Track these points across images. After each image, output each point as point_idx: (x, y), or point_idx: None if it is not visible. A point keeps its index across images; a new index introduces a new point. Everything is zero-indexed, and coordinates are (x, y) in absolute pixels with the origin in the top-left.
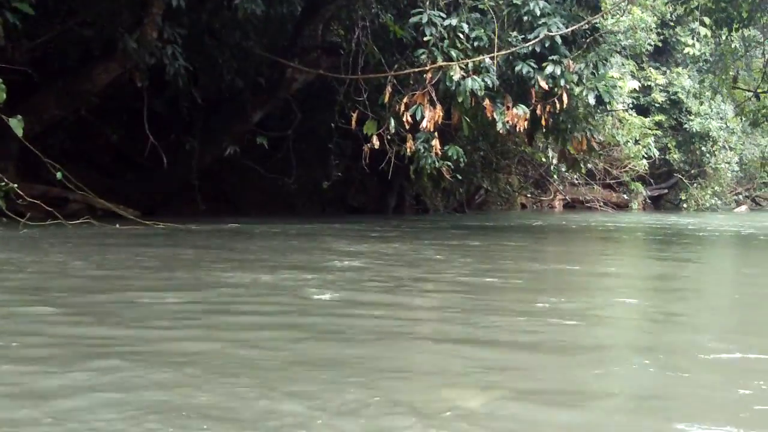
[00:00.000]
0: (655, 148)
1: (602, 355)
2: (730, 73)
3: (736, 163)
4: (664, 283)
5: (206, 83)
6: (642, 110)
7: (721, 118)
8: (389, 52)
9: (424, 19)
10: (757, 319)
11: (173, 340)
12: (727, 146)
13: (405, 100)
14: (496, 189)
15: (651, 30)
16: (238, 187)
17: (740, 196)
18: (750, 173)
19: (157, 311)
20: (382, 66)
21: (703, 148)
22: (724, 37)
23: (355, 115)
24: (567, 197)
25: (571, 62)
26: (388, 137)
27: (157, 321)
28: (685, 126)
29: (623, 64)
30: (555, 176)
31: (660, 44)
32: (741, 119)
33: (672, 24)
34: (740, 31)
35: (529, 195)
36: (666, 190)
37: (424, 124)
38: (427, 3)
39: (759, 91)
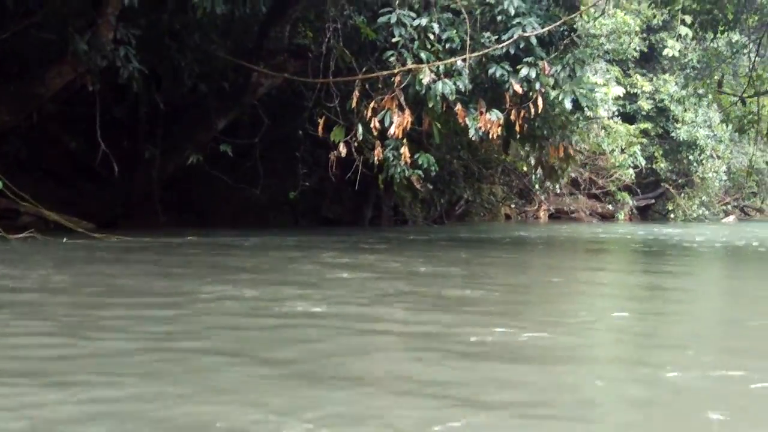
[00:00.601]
0: (642, 157)
1: (583, 369)
2: (715, 77)
3: (724, 172)
4: (650, 296)
5: (168, 88)
6: (628, 118)
7: (709, 126)
8: (362, 56)
9: (393, 19)
10: (742, 337)
11: None
12: (714, 155)
13: (372, 105)
14: (479, 199)
15: (635, 34)
16: (205, 197)
17: (728, 206)
18: (738, 183)
19: None
20: (353, 70)
21: (690, 157)
22: (709, 42)
23: (321, 122)
24: (552, 208)
25: (546, 64)
26: (356, 144)
27: None
28: (672, 134)
29: (608, 70)
30: (537, 186)
31: (646, 50)
32: (727, 126)
33: (658, 29)
34: (726, 34)
35: (513, 205)
36: (653, 200)
37: (392, 130)
38: (397, 2)
39: (745, 96)
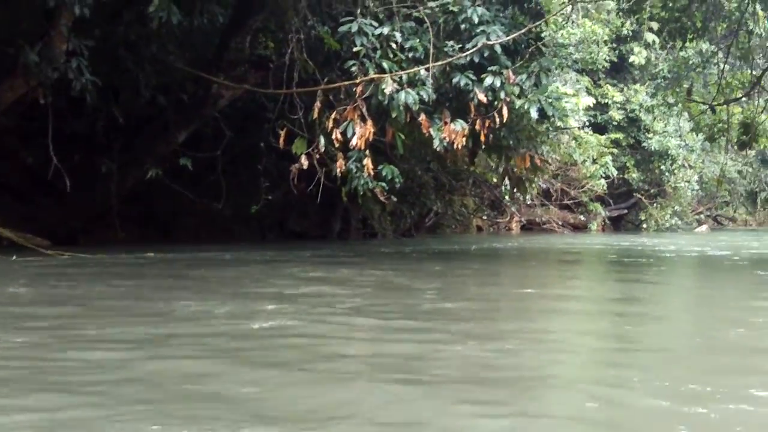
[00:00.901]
0: (614, 167)
1: (552, 385)
2: (684, 86)
3: (696, 181)
4: (621, 309)
5: (127, 101)
6: (599, 128)
7: (680, 136)
8: (326, 67)
9: (354, 28)
10: (713, 353)
11: None
12: (686, 165)
13: (334, 115)
14: (451, 211)
15: (604, 43)
16: (167, 212)
17: (701, 216)
18: (710, 192)
19: None
20: (317, 81)
21: (662, 167)
22: (678, 50)
23: (283, 134)
24: (523, 219)
25: (511, 73)
26: (318, 157)
27: None
28: (644, 144)
29: (578, 81)
30: (507, 197)
31: (616, 60)
32: (698, 135)
33: (629, 39)
34: (696, 43)
35: (485, 217)
36: (626, 211)
37: (354, 141)
38: (359, 11)
39: (714, 104)
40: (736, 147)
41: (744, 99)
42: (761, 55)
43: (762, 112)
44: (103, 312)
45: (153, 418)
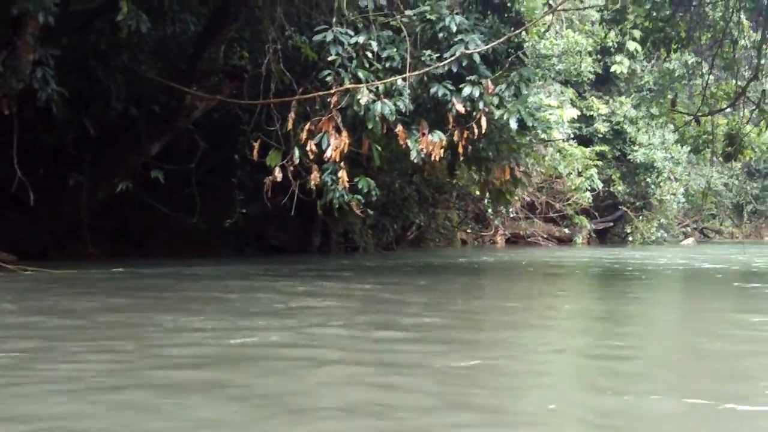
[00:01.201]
0: (599, 179)
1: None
2: (668, 96)
3: (682, 194)
4: (607, 322)
5: (98, 112)
6: (585, 141)
7: (666, 149)
8: (304, 78)
9: (329, 37)
10: (697, 364)
11: None
12: (672, 177)
13: (308, 126)
14: (434, 225)
15: (588, 54)
16: (141, 226)
17: (688, 229)
18: (697, 204)
19: None
20: (294, 91)
21: (648, 179)
22: (663, 61)
23: (257, 145)
24: (508, 232)
25: (490, 83)
26: (292, 169)
27: None
28: (629, 157)
29: (562, 92)
30: (490, 210)
31: (601, 72)
32: (683, 147)
33: (613, 51)
34: (680, 54)
35: (469, 230)
36: (611, 224)
37: (328, 153)
38: (334, 20)
39: (699, 114)
40: (721, 159)
41: (729, 110)
42: (746, 65)
43: (747, 123)
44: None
45: None
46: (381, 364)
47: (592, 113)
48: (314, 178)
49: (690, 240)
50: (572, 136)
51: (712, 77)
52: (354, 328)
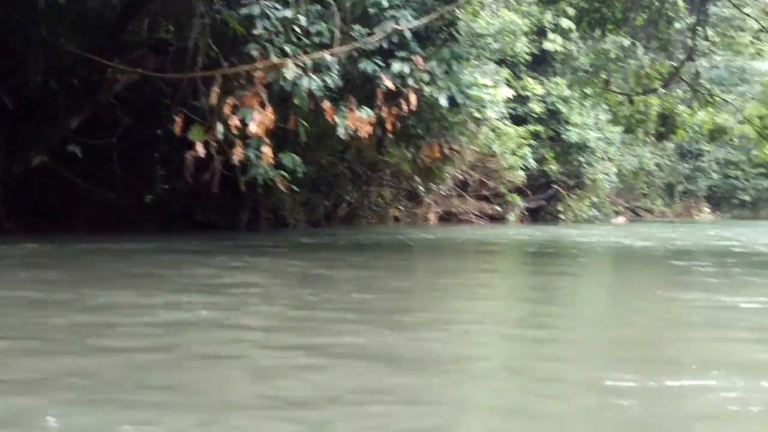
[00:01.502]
0: (533, 159)
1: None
2: (602, 76)
3: (615, 174)
4: (535, 299)
5: (15, 85)
6: (519, 120)
7: (599, 129)
8: (233, 53)
9: (256, 11)
10: (623, 343)
11: None
12: (605, 157)
13: (231, 101)
14: (367, 202)
15: (524, 34)
16: (62, 201)
17: (619, 207)
18: (629, 184)
19: None
20: (219, 66)
21: (581, 159)
22: (598, 41)
23: (179, 120)
24: (440, 210)
25: (420, 60)
26: (215, 144)
27: None
28: (563, 136)
29: (497, 72)
30: (421, 188)
31: (538, 53)
32: (616, 127)
33: (550, 32)
34: (616, 34)
35: (402, 208)
36: (544, 202)
37: (252, 128)
38: None
39: (633, 95)
40: (654, 139)
41: (662, 90)
42: (680, 46)
43: (681, 103)
44: None
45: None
46: (310, 346)
47: (527, 93)
48: (237, 153)
49: (621, 219)
50: (507, 115)
51: (647, 58)
52: (277, 303)
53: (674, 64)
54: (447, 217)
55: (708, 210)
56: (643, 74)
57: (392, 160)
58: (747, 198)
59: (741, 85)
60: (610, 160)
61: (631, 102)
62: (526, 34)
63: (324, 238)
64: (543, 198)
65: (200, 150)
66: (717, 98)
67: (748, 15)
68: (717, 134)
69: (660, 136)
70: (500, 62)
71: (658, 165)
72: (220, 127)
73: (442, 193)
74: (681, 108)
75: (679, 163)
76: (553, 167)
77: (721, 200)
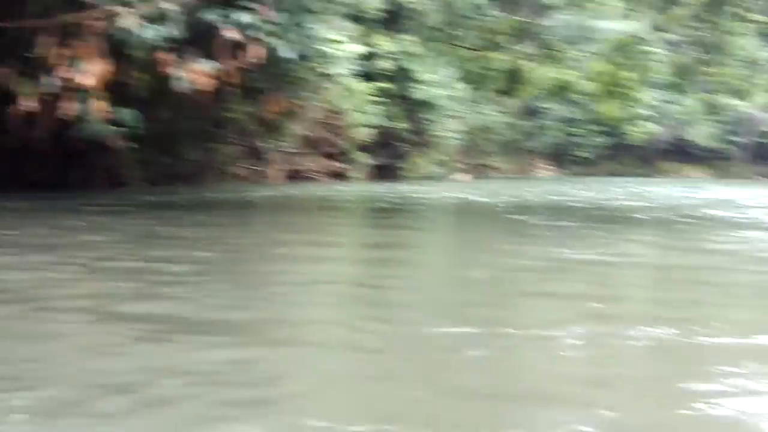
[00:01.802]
0: (380, 116)
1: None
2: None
3: (461, 132)
4: (380, 254)
5: None
6: (369, 77)
7: (447, 86)
8: (71, 4)
9: None
10: (465, 291)
11: None
12: (451, 115)
13: (64, 52)
14: (210, 160)
15: None
16: None
17: (464, 165)
18: (474, 142)
19: None
20: (47, 14)
21: (428, 117)
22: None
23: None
24: (286, 167)
25: (267, 9)
26: (44, 98)
27: None
28: (410, 94)
29: (347, 28)
30: (266, 144)
31: (392, 9)
32: (464, 84)
33: None
34: None
35: (246, 166)
36: (391, 160)
37: (83, 79)
38: None
39: (481, 51)
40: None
41: (512, 47)
42: (529, 2)
43: (527, 59)
44: None
45: None
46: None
47: (377, 50)
48: (67, 108)
49: (466, 176)
50: (356, 72)
51: (495, 13)
52: (119, 260)
53: (523, 20)
54: (292, 175)
55: (550, 167)
56: (491, 31)
57: (237, 116)
58: (587, 155)
59: (589, 43)
60: (456, 118)
61: (480, 59)
62: None
63: (163, 197)
64: (389, 156)
65: (25, 104)
66: (564, 54)
67: None
68: (560, 90)
69: (507, 92)
70: (353, 18)
71: (501, 123)
72: (45, 80)
73: (287, 151)
74: (529, 65)
75: (522, 120)
76: (400, 125)
77: (562, 157)
